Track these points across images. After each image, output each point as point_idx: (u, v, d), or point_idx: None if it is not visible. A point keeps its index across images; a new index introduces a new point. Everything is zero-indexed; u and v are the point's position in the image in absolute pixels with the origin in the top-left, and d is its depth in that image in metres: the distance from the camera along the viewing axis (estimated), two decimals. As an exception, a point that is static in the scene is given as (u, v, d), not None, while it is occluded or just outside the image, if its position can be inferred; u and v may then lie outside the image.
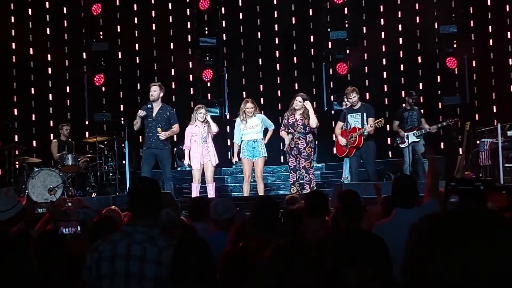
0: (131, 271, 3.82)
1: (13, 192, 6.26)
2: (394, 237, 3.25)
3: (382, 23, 16.28)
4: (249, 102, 12.14)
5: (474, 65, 15.91)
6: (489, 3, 16.22)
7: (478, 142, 13.52)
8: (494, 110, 15.83)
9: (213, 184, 12.20)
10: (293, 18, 16.57)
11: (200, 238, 3.90)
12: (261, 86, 16.36)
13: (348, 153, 11.96)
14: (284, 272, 2.58)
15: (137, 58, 16.50)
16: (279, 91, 16.06)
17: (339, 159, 12.83)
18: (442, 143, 15.01)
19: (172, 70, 16.46)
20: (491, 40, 15.99)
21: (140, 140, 12.17)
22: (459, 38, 15.07)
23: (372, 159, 12.16)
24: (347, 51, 15.16)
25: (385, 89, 16.26)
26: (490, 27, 15.94)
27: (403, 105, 13.49)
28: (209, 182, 12.11)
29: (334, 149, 12.95)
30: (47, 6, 16.26)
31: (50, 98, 16.27)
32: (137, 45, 16.47)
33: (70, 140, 14.12)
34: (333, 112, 15.03)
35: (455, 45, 15.02)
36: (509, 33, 16.02)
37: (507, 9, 15.93)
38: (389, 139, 15.45)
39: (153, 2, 16.77)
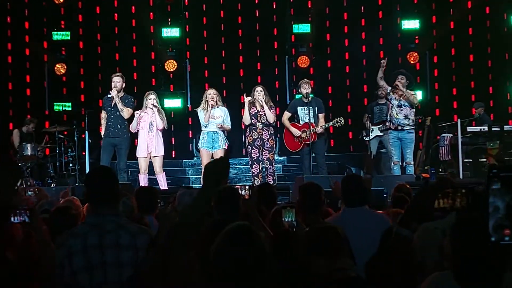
0: (107, 260, 3.73)
1: None
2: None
3: (345, 17, 16.34)
4: (211, 89, 11.84)
5: (435, 61, 16.05)
6: (451, -1, 16.36)
7: (438, 137, 13.67)
8: (455, 106, 16.02)
9: (162, 175, 11.63)
10: (257, 11, 16.53)
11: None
12: (224, 78, 16.28)
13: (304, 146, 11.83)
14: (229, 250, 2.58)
15: (99, 47, 16.34)
16: (242, 84, 16.01)
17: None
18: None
19: (134, 61, 16.33)
20: (452, 36, 16.12)
21: (102, 132, 11.96)
22: (420, 34, 15.18)
23: (323, 151, 12.18)
24: (310, 45, 15.17)
25: (347, 83, 16.28)
26: (451, 23, 16.05)
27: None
28: (158, 173, 11.57)
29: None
30: (8, -7, 16.02)
31: (10, 87, 16.06)
32: (99, 34, 16.30)
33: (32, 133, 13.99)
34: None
35: (416, 41, 15.14)
36: (470, 29, 16.20)
37: (469, 6, 16.07)
38: (350, 133, 15.51)
39: (116, -9, 16.61)
